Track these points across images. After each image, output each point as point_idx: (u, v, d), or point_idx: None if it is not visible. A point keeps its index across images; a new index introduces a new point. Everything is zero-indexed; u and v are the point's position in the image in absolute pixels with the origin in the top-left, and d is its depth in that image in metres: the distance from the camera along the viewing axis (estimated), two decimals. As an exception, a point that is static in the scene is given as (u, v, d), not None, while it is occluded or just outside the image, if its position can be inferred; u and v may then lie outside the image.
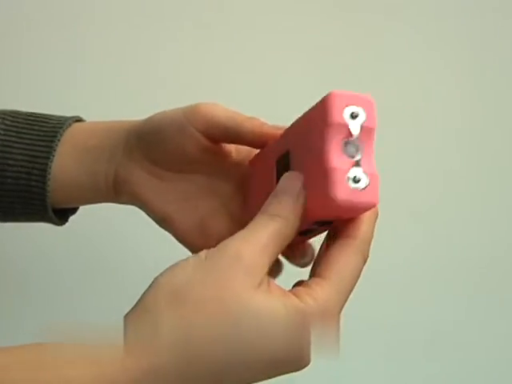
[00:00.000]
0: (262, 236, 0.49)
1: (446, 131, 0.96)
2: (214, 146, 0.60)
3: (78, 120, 0.67)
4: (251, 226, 0.49)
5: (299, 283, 0.51)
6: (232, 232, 0.55)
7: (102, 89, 0.91)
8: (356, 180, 0.46)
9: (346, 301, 0.51)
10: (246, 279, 0.47)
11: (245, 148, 0.61)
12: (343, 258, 0.50)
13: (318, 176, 0.47)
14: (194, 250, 0.60)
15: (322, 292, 0.49)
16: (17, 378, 0.44)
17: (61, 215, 0.67)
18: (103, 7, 0.92)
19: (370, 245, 0.52)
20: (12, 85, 0.91)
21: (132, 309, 0.48)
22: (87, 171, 0.63)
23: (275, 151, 0.55)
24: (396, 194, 0.92)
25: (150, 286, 0.48)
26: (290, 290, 0.50)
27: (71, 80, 0.91)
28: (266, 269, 0.48)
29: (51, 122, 0.65)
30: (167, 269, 0.48)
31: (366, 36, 0.95)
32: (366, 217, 0.51)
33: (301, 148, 0.50)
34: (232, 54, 0.93)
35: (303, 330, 0.47)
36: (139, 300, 0.48)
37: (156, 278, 0.48)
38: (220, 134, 0.59)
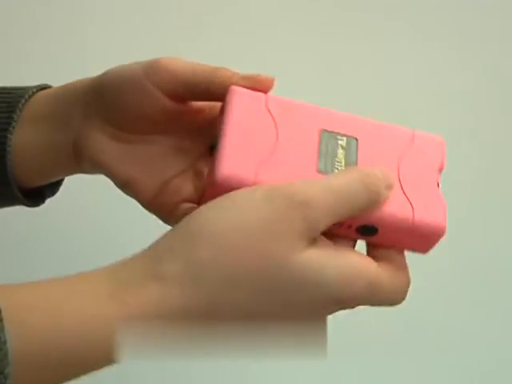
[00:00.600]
0: (340, 201, 0.46)
1: (447, 131, 0.96)
2: (180, 105, 0.55)
3: (45, 88, 0.61)
4: (339, 183, 0.46)
5: None
6: (199, 192, 0.54)
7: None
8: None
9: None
10: (298, 240, 0.45)
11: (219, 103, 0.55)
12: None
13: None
14: (159, 214, 0.57)
15: (400, 275, 0.48)
16: (39, 321, 0.43)
17: (37, 196, 0.63)
18: (103, 7, 0.92)
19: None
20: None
21: (160, 243, 0.46)
22: (46, 141, 0.58)
23: (319, 121, 0.52)
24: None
25: (184, 225, 0.46)
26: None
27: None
28: (322, 231, 0.46)
29: (15, 92, 0.60)
30: (210, 207, 0.46)
31: (366, 36, 0.95)
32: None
33: (378, 149, 0.51)
34: (231, 54, 0.93)
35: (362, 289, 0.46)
36: (168, 237, 0.46)
37: (194, 217, 0.46)
38: (186, 92, 0.54)
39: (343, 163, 0.50)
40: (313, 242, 0.45)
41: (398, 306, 0.95)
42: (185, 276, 0.44)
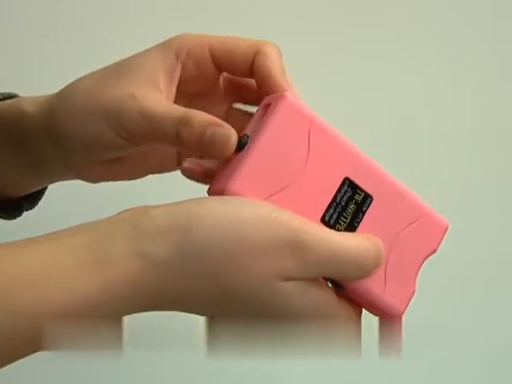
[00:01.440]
0: (339, 264, 0.47)
1: (449, 131, 0.96)
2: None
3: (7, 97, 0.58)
4: (342, 246, 0.47)
5: None
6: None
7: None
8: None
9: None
10: (287, 271, 0.45)
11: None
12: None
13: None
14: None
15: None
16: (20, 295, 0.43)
17: (14, 208, 0.61)
18: (103, 7, 0.92)
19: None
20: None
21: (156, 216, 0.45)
22: (22, 171, 0.57)
23: (348, 167, 0.50)
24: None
25: (186, 206, 0.45)
26: None
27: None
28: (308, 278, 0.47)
29: None
30: (218, 200, 0.46)
31: (366, 37, 0.95)
32: None
33: (389, 220, 0.50)
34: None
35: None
36: (165, 213, 0.45)
37: (200, 202, 0.46)
38: (151, 141, 0.52)
39: (348, 221, 0.49)
40: (292, 278, 0.46)
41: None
42: (172, 262, 0.44)
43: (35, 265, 0.43)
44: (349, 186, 0.49)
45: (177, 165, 0.56)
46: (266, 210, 0.46)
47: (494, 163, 0.97)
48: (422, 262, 0.51)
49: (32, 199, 0.62)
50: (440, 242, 0.52)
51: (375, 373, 0.97)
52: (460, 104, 0.97)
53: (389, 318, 0.50)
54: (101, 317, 0.44)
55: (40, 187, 0.61)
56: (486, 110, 0.97)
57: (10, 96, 0.59)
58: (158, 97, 0.51)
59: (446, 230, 0.52)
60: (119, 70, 0.52)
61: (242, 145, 0.49)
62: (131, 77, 0.51)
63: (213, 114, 0.50)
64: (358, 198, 0.50)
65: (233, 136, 0.48)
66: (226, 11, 0.94)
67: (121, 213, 0.46)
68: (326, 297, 0.48)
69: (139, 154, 0.55)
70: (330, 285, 0.49)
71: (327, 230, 0.47)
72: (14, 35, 0.90)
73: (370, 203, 0.50)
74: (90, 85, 0.52)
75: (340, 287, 0.49)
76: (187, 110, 0.50)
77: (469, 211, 0.97)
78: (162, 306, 0.46)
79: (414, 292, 0.50)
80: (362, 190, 0.50)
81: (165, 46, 0.52)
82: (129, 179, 0.57)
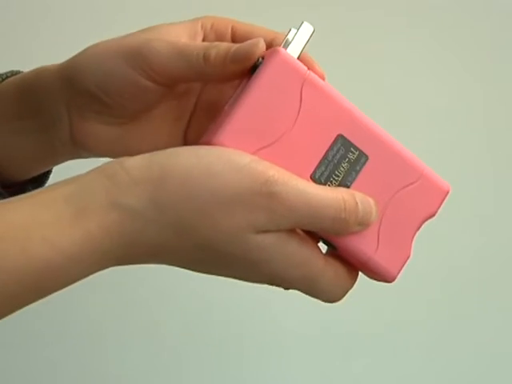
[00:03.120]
0: (314, 217, 0.46)
1: (449, 130, 0.96)
2: (170, 87, 0.52)
3: (14, 74, 0.57)
4: (321, 197, 0.46)
5: None
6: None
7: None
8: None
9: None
10: (258, 223, 0.45)
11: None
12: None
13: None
14: None
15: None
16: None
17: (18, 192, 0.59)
18: (102, 8, 0.92)
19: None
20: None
21: (128, 166, 0.45)
22: (29, 144, 0.56)
23: (343, 123, 0.49)
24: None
25: (159, 156, 0.45)
26: None
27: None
28: (282, 229, 0.46)
29: None
30: (192, 150, 0.46)
31: (367, 35, 0.95)
32: None
33: (385, 181, 0.49)
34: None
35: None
36: (138, 162, 0.45)
37: (175, 152, 0.45)
38: (175, 78, 0.51)
39: (340, 179, 0.48)
40: (267, 231, 0.46)
41: (402, 307, 0.95)
42: (147, 213, 0.44)
43: (17, 220, 0.43)
44: (342, 144, 0.48)
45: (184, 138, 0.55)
46: (242, 162, 0.45)
47: (493, 163, 0.98)
48: (420, 226, 0.49)
49: (36, 183, 0.61)
50: (439, 206, 0.50)
51: (375, 372, 0.97)
52: (464, 102, 0.97)
53: (381, 280, 0.49)
54: (84, 270, 0.44)
55: (45, 168, 0.60)
56: (484, 109, 0.97)
57: (13, 73, 0.58)
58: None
59: (447, 193, 0.50)
60: (142, 29, 0.52)
61: (254, 68, 0.48)
62: (155, 31, 0.51)
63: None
64: (352, 156, 0.48)
65: (261, 40, 0.48)
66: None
67: (101, 165, 0.46)
68: (307, 253, 0.47)
69: (151, 115, 0.54)
70: (324, 245, 0.48)
71: (304, 181, 0.46)
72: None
73: (364, 162, 0.48)
74: (113, 38, 0.52)
75: (332, 247, 0.48)
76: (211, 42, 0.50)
77: (468, 211, 0.97)
78: (139, 257, 0.46)
79: (408, 256, 0.49)
80: (357, 149, 0.48)
81: (191, 19, 0.53)
82: (137, 152, 0.56)
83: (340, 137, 0.48)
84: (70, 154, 0.57)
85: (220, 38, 0.53)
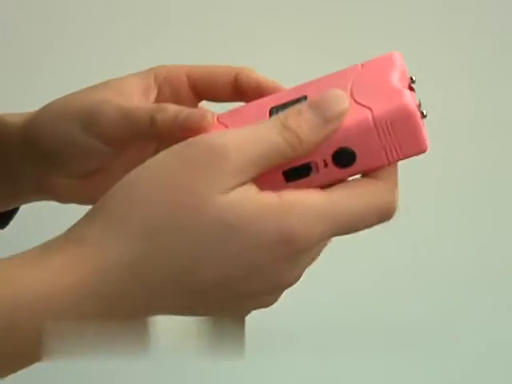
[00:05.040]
0: (258, 145, 0.42)
1: (449, 131, 0.96)
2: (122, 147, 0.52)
3: None
4: (256, 128, 0.43)
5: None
6: None
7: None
8: (424, 113, 0.45)
9: (331, 235, 0.43)
10: (217, 182, 0.42)
11: None
12: (360, 189, 0.43)
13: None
14: None
15: (311, 196, 0.42)
16: None
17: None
18: (102, 9, 0.92)
19: (396, 202, 0.44)
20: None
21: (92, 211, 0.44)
22: None
23: (269, 103, 0.48)
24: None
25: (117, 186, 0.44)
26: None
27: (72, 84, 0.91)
28: (244, 176, 0.42)
29: None
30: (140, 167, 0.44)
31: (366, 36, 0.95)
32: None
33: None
34: (230, 57, 0.93)
35: (278, 230, 0.42)
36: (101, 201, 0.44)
37: (127, 176, 0.44)
38: (130, 142, 0.51)
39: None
40: (237, 186, 0.43)
41: (402, 307, 0.95)
42: (103, 235, 0.43)
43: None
44: (278, 109, 0.46)
45: None
46: (178, 145, 0.44)
47: (492, 164, 0.98)
48: (405, 83, 0.46)
49: (3, 219, 0.61)
50: (401, 61, 0.47)
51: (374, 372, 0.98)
52: (463, 102, 0.97)
53: (406, 123, 0.43)
54: (62, 311, 0.43)
55: (12, 206, 0.60)
56: (492, 105, 0.97)
57: None
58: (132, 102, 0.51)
59: (399, 54, 0.48)
60: (96, 85, 0.53)
61: None
62: (107, 89, 0.52)
63: None
64: (292, 103, 0.46)
65: (209, 112, 0.47)
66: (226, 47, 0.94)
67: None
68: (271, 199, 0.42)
69: (111, 167, 0.54)
70: (347, 172, 0.44)
71: (245, 127, 0.44)
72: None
73: (306, 99, 0.46)
74: (68, 95, 0.53)
75: (348, 157, 0.44)
76: (161, 103, 0.50)
77: (467, 213, 0.97)
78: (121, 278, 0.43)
79: (401, 92, 0.45)
80: (292, 101, 0.47)
81: (143, 71, 0.53)
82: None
83: (272, 108, 0.47)
84: (37, 198, 0.58)
85: (176, 88, 0.52)
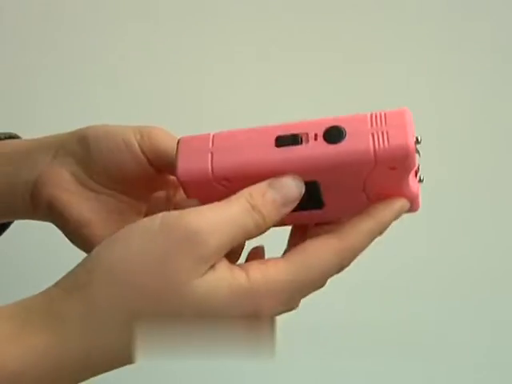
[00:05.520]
0: (231, 228, 0.45)
1: (447, 133, 0.96)
2: (156, 173, 0.56)
3: (13, 137, 0.61)
4: (230, 212, 0.46)
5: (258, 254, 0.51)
6: None
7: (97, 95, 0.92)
8: (421, 177, 0.50)
9: (299, 297, 0.48)
10: (195, 267, 0.44)
11: None
12: (317, 252, 0.47)
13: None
14: None
15: (274, 270, 0.46)
16: None
17: None
18: (101, 11, 0.92)
19: (355, 256, 0.49)
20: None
21: (63, 280, 0.46)
22: (4, 184, 0.57)
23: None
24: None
25: (87, 259, 0.46)
26: (242, 264, 0.47)
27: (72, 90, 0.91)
28: (218, 257, 0.45)
29: None
30: (111, 239, 0.46)
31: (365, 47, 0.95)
32: (366, 228, 0.49)
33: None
34: (230, 59, 0.94)
35: (248, 307, 0.46)
36: (71, 273, 0.46)
37: (96, 250, 0.46)
38: (165, 165, 0.55)
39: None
40: (211, 267, 0.46)
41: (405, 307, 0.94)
42: (84, 317, 0.44)
43: None
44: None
45: None
46: (156, 222, 0.46)
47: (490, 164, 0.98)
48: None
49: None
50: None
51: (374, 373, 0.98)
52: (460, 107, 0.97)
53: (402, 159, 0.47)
54: None
55: (4, 220, 0.62)
56: (488, 111, 0.97)
57: (11, 136, 0.60)
58: None
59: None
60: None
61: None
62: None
63: None
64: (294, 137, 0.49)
65: None
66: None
67: None
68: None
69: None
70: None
71: (213, 206, 0.46)
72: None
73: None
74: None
75: (337, 134, 0.47)
76: None
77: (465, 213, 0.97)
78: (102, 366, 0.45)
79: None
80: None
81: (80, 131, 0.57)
82: None
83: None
84: (24, 206, 0.58)
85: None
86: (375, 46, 0.94)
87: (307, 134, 0.48)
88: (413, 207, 0.50)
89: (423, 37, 0.94)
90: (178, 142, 0.51)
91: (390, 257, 0.91)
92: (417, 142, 0.47)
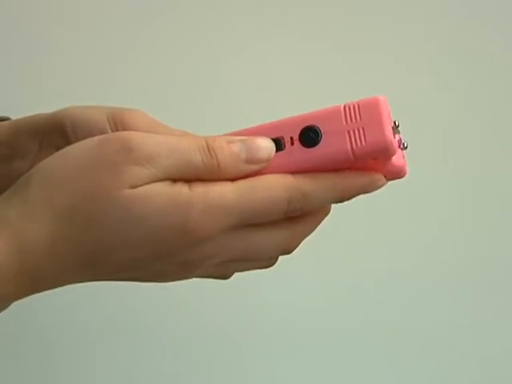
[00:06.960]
0: (172, 152, 0.45)
1: (444, 134, 0.96)
2: None
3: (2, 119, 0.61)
4: (175, 138, 0.46)
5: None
6: None
7: (99, 92, 0.92)
8: (404, 145, 0.48)
9: (240, 232, 0.46)
10: (129, 170, 0.45)
11: None
12: (268, 180, 0.46)
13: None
14: None
15: (219, 188, 0.45)
16: None
17: None
18: (101, 11, 0.92)
19: (304, 202, 0.46)
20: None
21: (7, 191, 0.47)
22: None
23: None
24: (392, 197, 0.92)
25: (30, 171, 0.47)
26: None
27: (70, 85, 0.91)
28: (156, 175, 0.45)
29: None
30: (53, 155, 0.47)
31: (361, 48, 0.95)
32: (327, 181, 0.47)
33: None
34: (231, 59, 0.94)
35: (180, 219, 0.45)
36: (15, 183, 0.47)
37: (38, 164, 0.47)
38: None
39: None
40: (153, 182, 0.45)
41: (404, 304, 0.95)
42: (22, 217, 0.45)
43: None
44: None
45: None
46: (97, 137, 0.47)
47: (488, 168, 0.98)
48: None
49: None
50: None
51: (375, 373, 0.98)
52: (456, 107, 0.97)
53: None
54: None
55: None
56: (482, 114, 0.97)
57: (3, 119, 0.60)
58: None
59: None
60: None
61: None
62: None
63: None
64: None
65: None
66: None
67: None
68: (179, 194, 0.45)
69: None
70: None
71: (168, 136, 0.47)
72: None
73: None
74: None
75: (314, 136, 0.46)
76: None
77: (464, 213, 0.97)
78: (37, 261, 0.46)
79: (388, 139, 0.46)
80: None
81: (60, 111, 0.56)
82: None
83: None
84: None
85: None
86: (374, 39, 0.94)
87: (283, 138, 0.47)
88: (400, 175, 0.49)
89: (423, 37, 0.94)
90: None
91: (389, 256, 0.92)
92: (395, 126, 0.46)
